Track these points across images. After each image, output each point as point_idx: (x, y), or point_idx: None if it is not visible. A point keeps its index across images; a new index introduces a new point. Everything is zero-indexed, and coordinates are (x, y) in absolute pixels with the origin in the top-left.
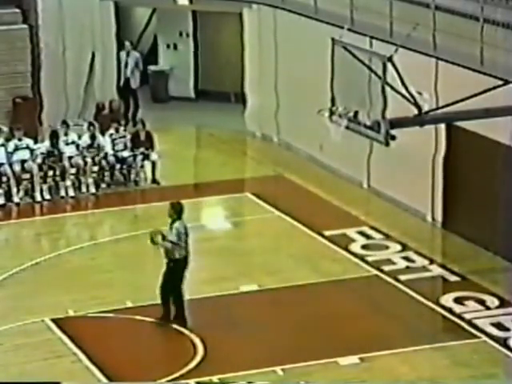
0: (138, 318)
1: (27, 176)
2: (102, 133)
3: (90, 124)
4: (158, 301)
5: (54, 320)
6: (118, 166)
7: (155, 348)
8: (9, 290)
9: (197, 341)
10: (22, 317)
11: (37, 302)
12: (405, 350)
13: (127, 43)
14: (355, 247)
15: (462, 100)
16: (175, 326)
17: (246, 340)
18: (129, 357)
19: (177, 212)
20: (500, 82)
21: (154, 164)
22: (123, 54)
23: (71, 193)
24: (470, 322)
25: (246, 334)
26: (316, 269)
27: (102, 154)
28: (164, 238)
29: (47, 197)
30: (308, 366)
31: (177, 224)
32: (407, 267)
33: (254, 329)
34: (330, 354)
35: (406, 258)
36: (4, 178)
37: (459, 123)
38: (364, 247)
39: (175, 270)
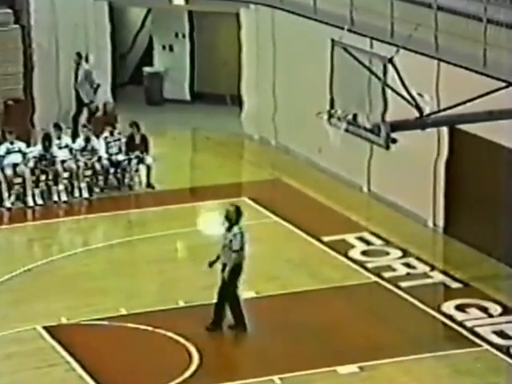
0: (132, 325)
1: (19, 180)
2: (96, 136)
3: (84, 127)
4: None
5: (46, 328)
6: (112, 170)
7: (150, 357)
8: (0, 297)
9: (192, 349)
10: (13, 324)
11: (29, 309)
12: (405, 358)
13: (76, 56)
14: (355, 253)
15: (465, 102)
16: (235, 331)
17: (242, 348)
18: (123, 365)
19: (236, 216)
20: (503, 84)
21: (148, 168)
22: (74, 66)
23: (64, 197)
24: (471, 330)
25: (243, 341)
26: (315, 275)
27: (95, 158)
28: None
29: (39, 201)
30: (306, 374)
31: (236, 229)
32: (408, 274)
33: (251, 336)
34: (328, 363)
35: (407, 265)
36: None
37: (462, 126)
38: (364, 253)
39: (232, 275)
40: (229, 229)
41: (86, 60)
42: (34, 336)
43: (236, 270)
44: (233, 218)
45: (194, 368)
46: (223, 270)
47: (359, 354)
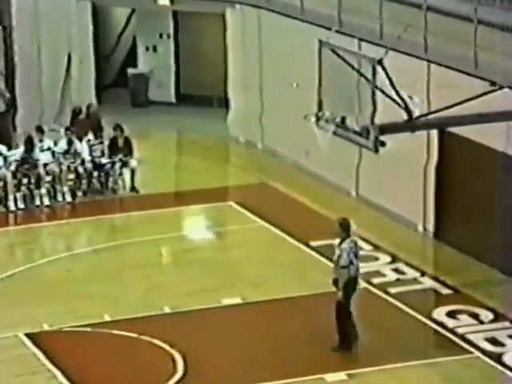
0: (117, 332)
1: (0, 184)
2: (79, 138)
3: (67, 129)
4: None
5: (28, 335)
6: (95, 174)
7: (134, 364)
8: None
9: (177, 356)
10: None
11: (10, 315)
12: (395, 365)
13: None
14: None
15: (455, 105)
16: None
17: (228, 355)
18: (106, 373)
19: (345, 230)
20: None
21: (132, 171)
22: None
23: (46, 201)
24: (463, 337)
25: (229, 349)
26: (302, 281)
27: (78, 161)
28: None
29: (21, 206)
30: (293, 382)
31: (345, 244)
32: (397, 279)
33: (238, 344)
34: (316, 370)
35: (397, 270)
36: None
37: (452, 129)
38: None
39: (345, 292)
40: (340, 243)
41: None
42: (15, 343)
43: (349, 286)
44: (341, 232)
45: (179, 375)
46: (335, 284)
47: (347, 361)
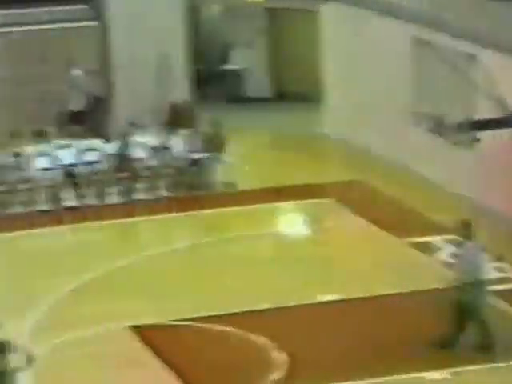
0: (220, 327)
1: (98, 178)
2: (175, 134)
3: (163, 125)
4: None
5: (133, 327)
6: (191, 169)
7: (236, 359)
8: (85, 297)
9: (281, 352)
10: (101, 323)
11: (116, 308)
12: (499, 365)
13: (68, 61)
14: (443, 256)
15: None
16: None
17: (329, 352)
18: (210, 367)
19: (467, 231)
20: None
21: (228, 167)
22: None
23: (143, 196)
24: None
25: (329, 345)
26: (401, 278)
27: (175, 156)
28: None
29: (119, 200)
30: (394, 380)
31: (469, 245)
32: (500, 278)
33: (338, 341)
34: (417, 368)
35: (500, 269)
36: (74, 180)
37: None
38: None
39: (477, 294)
40: (463, 245)
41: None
42: (122, 336)
43: (479, 290)
44: (462, 234)
45: (281, 371)
46: (463, 287)
47: (450, 360)
